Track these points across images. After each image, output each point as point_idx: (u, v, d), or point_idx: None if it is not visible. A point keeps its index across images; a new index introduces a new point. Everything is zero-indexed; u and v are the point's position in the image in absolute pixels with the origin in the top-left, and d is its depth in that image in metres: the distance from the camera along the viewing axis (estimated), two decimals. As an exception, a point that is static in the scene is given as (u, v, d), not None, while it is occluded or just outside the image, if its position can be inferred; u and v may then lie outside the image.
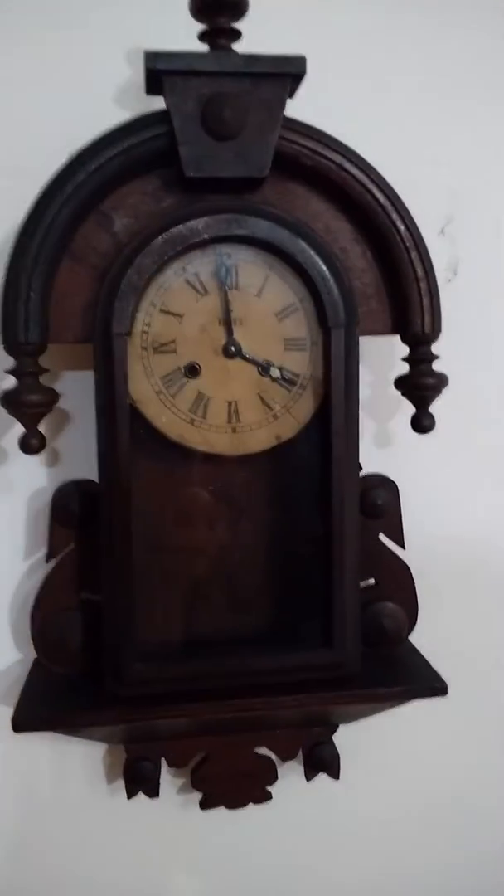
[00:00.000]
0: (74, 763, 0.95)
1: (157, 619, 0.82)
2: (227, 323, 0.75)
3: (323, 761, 0.93)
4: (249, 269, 0.75)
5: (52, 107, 0.84)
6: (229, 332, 0.75)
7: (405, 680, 0.84)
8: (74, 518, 0.81)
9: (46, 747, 0.93)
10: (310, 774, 0.94)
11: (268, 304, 0.76)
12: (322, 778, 0.93)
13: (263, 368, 0.76)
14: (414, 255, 0.75)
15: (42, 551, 0.87)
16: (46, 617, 0.82)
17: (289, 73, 0.70)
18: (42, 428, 0.88)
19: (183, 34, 0.73)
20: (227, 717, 0.80)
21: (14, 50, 0.84)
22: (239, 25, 0.72)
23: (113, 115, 0.76)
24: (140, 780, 0.90)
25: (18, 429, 0.74)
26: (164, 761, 0.90)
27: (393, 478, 0.88)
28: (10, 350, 0.72)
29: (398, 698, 0.82)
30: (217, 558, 0.84)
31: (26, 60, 0.84)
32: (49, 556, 0.82)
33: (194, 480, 0.82)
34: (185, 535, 0.82)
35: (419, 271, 0.75)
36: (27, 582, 0.91)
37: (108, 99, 0.85)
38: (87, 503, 0.81)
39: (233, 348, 0.74)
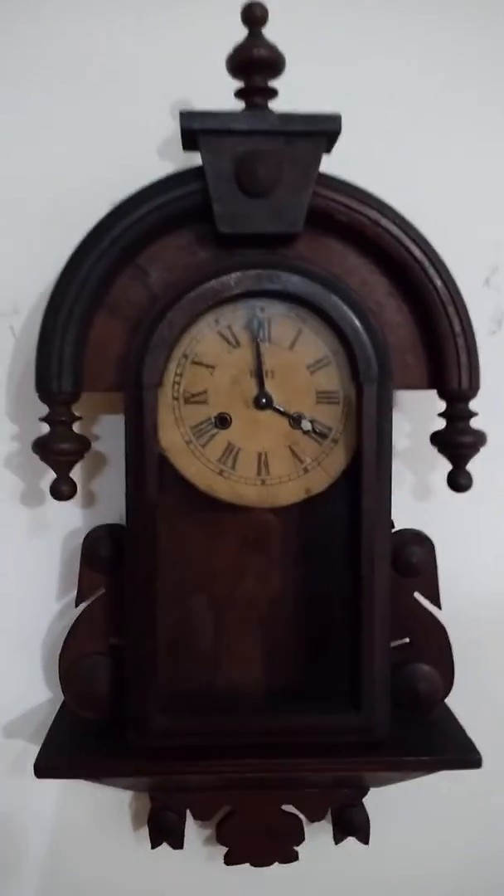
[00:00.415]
0: (101, 807, 0.94)
1: (183, 669, 0.82)
2: (259, 375, 0.74)
3: (352, 825, 0.90)
4: (282, 322, 0.75)
5: (97, 158, 0.86)
6: (261, 383, 0.74)
7: (437, 748, 0.80)
8: (105, 563, 0.82)
9: (72, 790, 0.93)
10: (338, 837, 0.91)
11: (300, 356, 0.75)
12: (351, 840, 0.89)
13: (294, 420, 0.75)
14: (451, 310, 0.73)
15: (75, 592, 0.87)
16: (74, 661, 0.83)
17: (324, 131, 0.70)
18: (78, 470, 0.91)
19: (227, 87, 0.74)
20: (249, 776, 0.78)
21: (61, 99, 0.87)
22: (277, 83, 0.72)
23: (156, 167, 0.79)
24: (164, 831, 0.89)
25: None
26: (189, 813, 0.89)
27: (431, 532, 0.85)
28: (43, 399, 0.74)
29: (428, 768, 0.79)
30: (246, 609, 0.83)
31: (73, 110, 0.87)
32: (78, 600, 0.83)
33: (224, 530, 0.82)
34: (214, 584, 0.82)
35: (456, 327, 0.74)
36: (59, 622, 0.92)
37: (153, 151, 0.87)
38: (118, 548, 0.81)
39: (264, 400, 0.74)
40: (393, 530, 0.82)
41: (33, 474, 0.89)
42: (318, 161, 0.71)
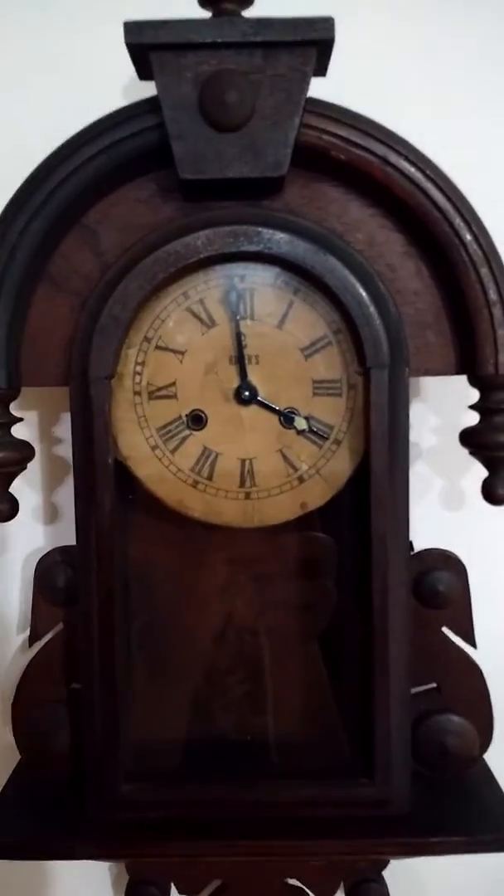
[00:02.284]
0: (78, 871, 0.80)
1: (155, 720, 0.68)
2: (240, 361, 0.60)
3: (370, 903, 0.74)
4: (268, 294, 0.60)
5: (45, 103, 0.71)
6: (243, 372, 0.60)
7: (472, 824, 0.64)
8: (62, 593, 0.68)
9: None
10: (354, 917, 0.75)
11: (292, 337, 0.60)
12: (369, 921, 0.74)
13: (286, 418, 0.60)
14: (484, 272, 0.57)
15: (31, 627, 0.73)
16: (28, 711, 0.69)
17: (313, 40, 0.54)
18: (37, 479, 0.77)
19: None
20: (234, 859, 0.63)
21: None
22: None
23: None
24: (145, 907, 0.74)
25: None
26: (173, 887, 0.74)
27: (462, 552, 0.69)
28: (-29, 397, 0.59)
29: (459, 850, 0.63)
30: (234, 644, 0.71)
31: (18, 46, 0.72)
32: (32, 639, 0.69)
33: (205, 552, 0.68)
34: (193, 615, 0.70)
35: (491, 294, 0.57)
36: (21, 658, 0.78)
37: (116, 92, 0.71)
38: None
39: (247, 393, 0.60)
40: (414, 551, 0.66)
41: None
42: (306, 81, 0.55)
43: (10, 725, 0.69)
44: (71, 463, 0.74)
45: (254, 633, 0.71)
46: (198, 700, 0.71)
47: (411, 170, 0.57)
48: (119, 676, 0.61)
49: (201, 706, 0.71)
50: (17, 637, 0.79)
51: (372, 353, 0.57)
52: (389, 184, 0.57)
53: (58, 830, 0.63)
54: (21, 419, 0.62)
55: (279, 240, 0.57)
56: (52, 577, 0.68)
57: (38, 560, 0.71)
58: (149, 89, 0.57)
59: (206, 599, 0.70)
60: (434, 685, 0.69)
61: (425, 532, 0.70)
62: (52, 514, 0.78)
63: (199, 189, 0.58)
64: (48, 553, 0.69)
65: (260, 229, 0.57)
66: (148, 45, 0.53)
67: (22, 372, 0.61)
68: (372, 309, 0.57)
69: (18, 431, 0.62)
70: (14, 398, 0.61)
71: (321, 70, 0.57)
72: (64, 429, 0.77)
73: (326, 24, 0.53)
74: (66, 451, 0.77)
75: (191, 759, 0.68)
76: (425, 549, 0.67)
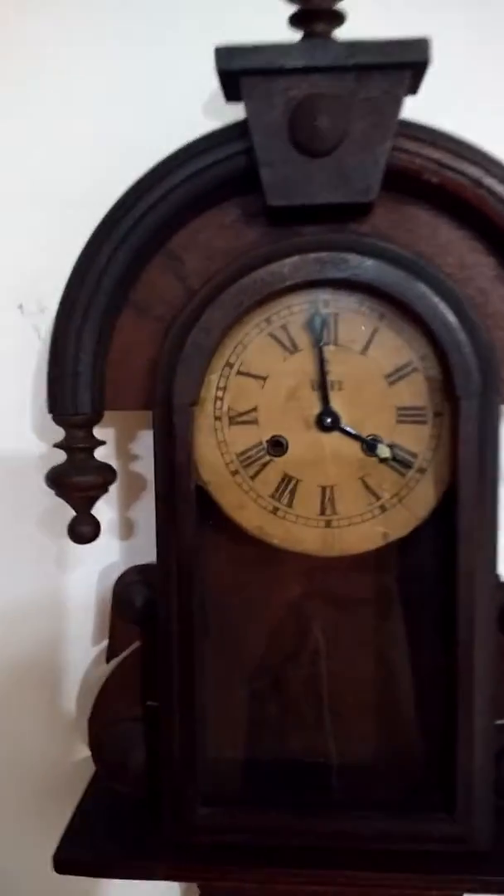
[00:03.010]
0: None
1: (232, 740, 0.68)
2: (323, 387, 0.59)
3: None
4: (352, 319, 0.58)
5: (131, 125, 0.71)
6: (325, 398, 0.59)
7: None
8: (139, 612, 0.68)
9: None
10: None
11: (376, 363, 0.59)
12: None
13: (369, 446, 0.59)
14: None
15: (109, 642, 0.74)
16: (105, 727, 0.70)
17: (407, 63, 0.52)
18: (114, 495, 0.78)
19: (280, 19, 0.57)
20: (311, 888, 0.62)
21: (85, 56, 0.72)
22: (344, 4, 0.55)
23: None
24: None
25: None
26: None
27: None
28: (57, 421, 0.60)
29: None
30: (309, 668, 0.69)
31: (102, 69, 0.72)
32: (110, 655, 0.70)
33: (284, 576, 0.68)
34: (271, 639, 0.69)
35: None
36: (96, 669, 0.79)
37: (198, 112, 0.71)
38: (155, 594, 0.67)
39: (329, 419, 0.59)
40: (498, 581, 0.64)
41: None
42: (399, 104, 0.53)
43: (88, 741, 0.70)
44: (147, 479, 0.76)
45: (329, 656, 0.70)
46: (270, 721, 0.71)
47: (505, 191, 0.54)
48: (197, 698, 0.61)
49: (274, 727, 0.71)
50: (93, 648, 0.80)
51: (462, 382, 0.56)
52: (482, 206, 0.55)
53: (135, 850, 0.64)
54: (104, 442, 0.63)
55: (367, 266, 0.55)
56: (129, 595, 0.69)
57: (114, 577, 0.72)
58: (232, 111, 0.56)
59: (280, 620, 0.70)
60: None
61: None
62: (127, 530, 0.79)
63: (285, 215, 0.57)
64: (126, 572, 0.69)
65: (347, 256, 0.55)
66: (239, 70, 0.53)
67: (106, 396, 0.61)
68: (462, 336, 0.55)
69: (98, 450, 0.63)
70: (97, 422, 0.61)
71: (413, 89, 0.56)
72: (139, 446, 0.77)
73: (422, 45, 0.52)
74: (142, 467, 0.78)
75: (265, 781, 0.68)
76: (511, 578, 0.65)
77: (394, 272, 0.55)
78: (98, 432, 0.63)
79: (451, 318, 0.55)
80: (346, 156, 0.54)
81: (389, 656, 0.68)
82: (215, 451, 0.61)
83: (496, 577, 0.61)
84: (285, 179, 0.55)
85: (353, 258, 0.55)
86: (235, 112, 0.56)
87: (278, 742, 0.70)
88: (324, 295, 0.58)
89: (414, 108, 0.55)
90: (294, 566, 0.67)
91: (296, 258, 0.56)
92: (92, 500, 0.62)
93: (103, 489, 0.62)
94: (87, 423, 0.60)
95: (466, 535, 0.58)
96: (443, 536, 0.60)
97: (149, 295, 0.61)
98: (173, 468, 0.58)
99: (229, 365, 0.60)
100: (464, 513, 0.57)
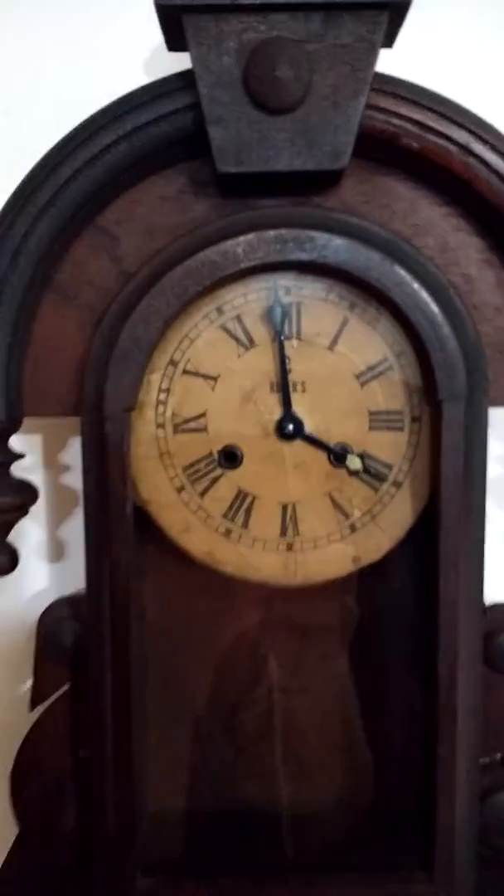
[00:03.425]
0: None
1: (176, 791, 0.61)
2: (284, 388, 0.51)
3: None
4: (318, 309, 0.51)
5: (58, 80, 0.61)
6: (286, 401, 0.51)
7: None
8: (67, 652, 0.58)
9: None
10: None
11: (346, 360, 0.51)
12: None
13: (337, 456, 0.52)
14: None
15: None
16: (29, 783, 0.60)
17: (384, 2, 0.44)
18: (42, 511, 0.68)
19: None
20: None
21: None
22: None
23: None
24: None
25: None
26: None
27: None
28: (-36, 430, 0.50)
29: None
30: (266, 707, 0.62)
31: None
32: (35, 701, 0.60)
33: (237, 605, 0.60)
34: (222, 674, 0.62)
35: None
36: (21, 718, 0.69)
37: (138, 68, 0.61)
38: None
39: (291, 426, 0.52)
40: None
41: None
42: (374, 53, 0.45)
43: (9, 800, 0.60)
44: (80, 493, 0.65)
45: (288, 692, 0.62)
46: (220, 768, 0.62)
47: (498, 161, 0.47)
48: (136, 751, 0.52)
49: (224, 775, 0.63)
50: (18, 690, 0.69)
51: (445, 383, 0.48)
52: (471, 178, 0.47)
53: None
54: (22, 455, 0.53)
55: (336, 247, 0.47)
56: (57, 633, 0.59)
57: (42, 606, 0.62)
58: (181, 64, 0.47)
59: (233, 652, 0.61)
60: (501, 755, 0.60)
61: (491, 578, 0.60)
62: (57, 552, 0.69)
63: (239, 184, 0.48)
64: (52, 605, 0.60)
65: (313, 234, 0.47)
66: (181, 6, 0.43)
67: (24, 399, 0.51)
68: (447, 329, 0.48)
69: (20, 461, 0.53)
70: (14, 431, 0.51)
71: (389, 41, 0.47)
72: (71, 455, 0.68)
73: (402, -19, 0.43)
74: (74, 480, 0.68)
75: (213, 840, 0.59)
76: (495, 605, 0.58)
77: (367, 254, 0.47)
78: (20, 440, 0.53)
79: (434, 308, 0.48)
80: (312, 114, 0.45)
81: (357, 693, 0.60)
82: (157, 464, 0.52)
83: (481, 604, 0.54)
84: (238, 141, 0.46)
85: (320, 237, 0.47)
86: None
87: (229, 792, 0.63)
88: (285, 280, 0.50)
89: (390, 67, 0.47)
90: (250, 592, 0.58)
91: (251, 236, 0.47)
92: (8, 526, 0.52)
93: (22, 511, 0.52)
94: (1, 434, 0.50)
95: (448, 559, 0.50)
96: (421, 558, 0.53)
97: (76, 279, 0.51)
98: (106, 485, 0.49)
99: (173, 363, 0.51)
100: (445, 533, 0.50)
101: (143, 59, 0.61)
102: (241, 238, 0.47)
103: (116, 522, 0.49)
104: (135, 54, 0.61)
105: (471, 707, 0.54)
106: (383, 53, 0.47)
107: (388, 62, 0.48)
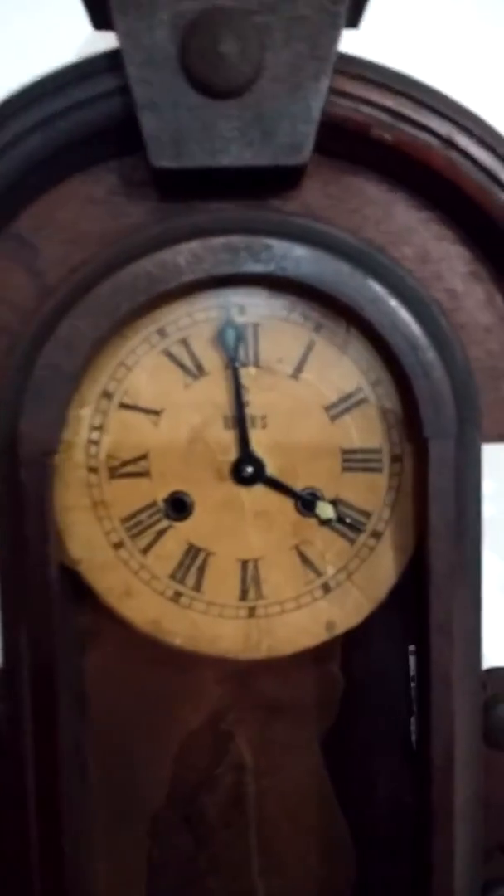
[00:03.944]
0: None
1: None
2: (241, 424, 0.43)
3: None
4: (279, 331, 0.43)
5: None
6: (243, 439, 0.44)
7: None
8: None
9: None
10: None
11: (313, 391, 0.44)
12: None
13: (305, 503, 0.44)
14: None
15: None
16: None
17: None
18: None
19: None
20: None
21: None
22: None
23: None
24: None
25: None
26: None
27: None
28: None
29: None
30: (231, 793, 0.53)
31: None
32: None
33: (196, 669, 0.51)
34: (180, 756, 0.52)
35: None
36: None
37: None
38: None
39: (250, 468, 0.44)
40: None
41: None
42: (337, 27, 0.38)
43: None
44: None
45: (254, 774, 0.53)
46: (179, 864, 0.54)
47: (486, 157, 0.40)
48: (68, 858, 0.43)
49: (184, 872, 0.54)
50: None
51: (431, 417, 0.40)
52: (455, 176, 0.40)
53: None
54: None
55: (298, 257, 0.39)
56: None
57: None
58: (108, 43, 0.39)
59: (192, 732, 0.53)
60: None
61: (489, 638, 0.52)
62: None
63: (181, 184, 0.40)
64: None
65: (269, 241, 0.39)
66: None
67: None
68: (431, 353, 0.40)
69: None
70: None
71: (354, 18, 0.40)
72: None
73: None
74: None
75: None
76: (493, 669, 0.50)
77: (335, 265, 0.40)
78: None
79: (415, 328, 0.40)
80: (264, 99, 0.38)
81: (336, 776, 0.51)
82: (89, 516, 0.43)
83: (479, 671, 0.46)
84: (176, 130, 0.38)
85: (279, 245, 0.39)
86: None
87: (190, 893, 0.53)
88: (238, 297, 0.42)
89: (357, 51, 0.40)
90: (213, 663, 0.50)
91: (195, 244, 0.39)
92: None
93: None
94: None
95: (439, 624, 0.42)
96: (408, 620, 0.44)
97: (-13, 296, 0.43)
98: (25, 545, 0.40)
99: (107, 395, 0.43)
100: (435, 593, 0.42)
101: (76, 48, 0.54)
102: (184, 246, 0.39)
103: (36, 590, 0.40)
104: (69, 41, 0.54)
105: (471, 800, 0.46)
106: (350, 36, 0.40)
107: (355, 45, 0.41)
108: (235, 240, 0.39)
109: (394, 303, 0.40)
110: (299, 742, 0.52)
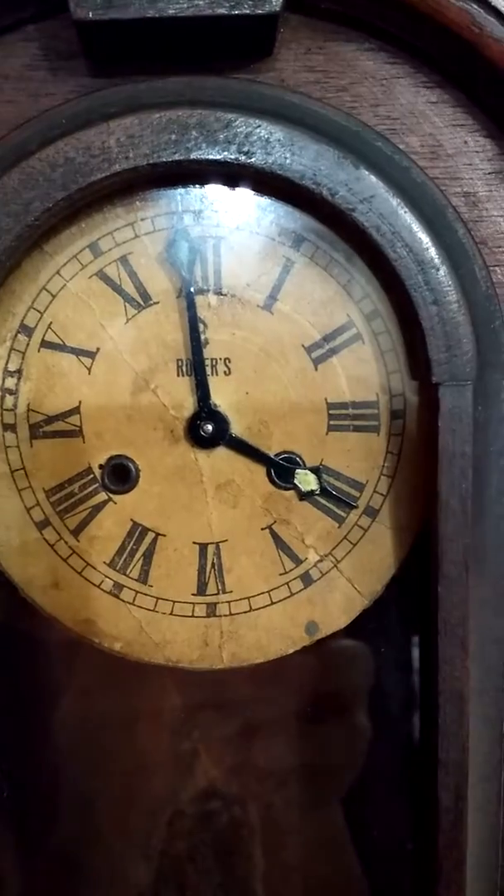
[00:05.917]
0: None
1: None
2: (198, 369, 0.36)
3: None
4: (247, 246, 0.34)
5: None
6: (202, 390, 0.35)
7: None
8: None
9: None
10: None
11: (290, 326, 0.36)
12: None
13: (280, 471, 0.36)
14: None
15: None
16: None
17: None
18: None
19: None
20: None
21: None
22: None
23: None
24: None
25: None
26: None
27: None
28: None
29: None
30: (199, 823, 0.46)
31: None
32: None
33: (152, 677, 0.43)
34: (137, 786, 0.45)
35: None
36: None
37: None
38: None
39: (210, 426, 0.36)
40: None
41: None
42: None
43: None
44: None
45: (235, 802, 0.45)
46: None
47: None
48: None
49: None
50: None
51: (443, 358, 0.31)
52: (475, 37, 0.30)
53: None
54: None
55: (267, 138, 0.30)
56: None
57: None
58: None
59: (159, 754, 0.45)
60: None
61: None
62: None
63: (115, 50, 0.31)
64: None
65: (230, 116, 0.30)
66: None
67: None
68: (443, 272, 0.30)
69: None
70: None
71: None
72: None
73: None
74: None
75: None
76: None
77: (318, 149, 0.30)
78: None
79: (423, 237, 0.31)
80: None
81: (326, 813, 0.43)
82: (5, 486, 0.35)
83: (501, 691, 0.36)
84: (106, -33, 0.28)
85: (243, 122, 0.30)
86: None
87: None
88: (192, 199, 0.33)
89: None
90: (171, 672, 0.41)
91: (131, 120, 0.30)
92: None
93: None
94: None
95: (450, 629, 0.34)
96: (411, 623, 0.36)
97: None
98: None
99: (26, 330, 0.34)
100: (446, 588, 0.34)
101: None
102: (115, 123, 0.30)
103: None
104: None
105: (486, 839, 0.37)
106: None
107: None
108: (183, 114, 0.30)
109: (395, 202, 0.31)
110: (273, 765, 0.43)
